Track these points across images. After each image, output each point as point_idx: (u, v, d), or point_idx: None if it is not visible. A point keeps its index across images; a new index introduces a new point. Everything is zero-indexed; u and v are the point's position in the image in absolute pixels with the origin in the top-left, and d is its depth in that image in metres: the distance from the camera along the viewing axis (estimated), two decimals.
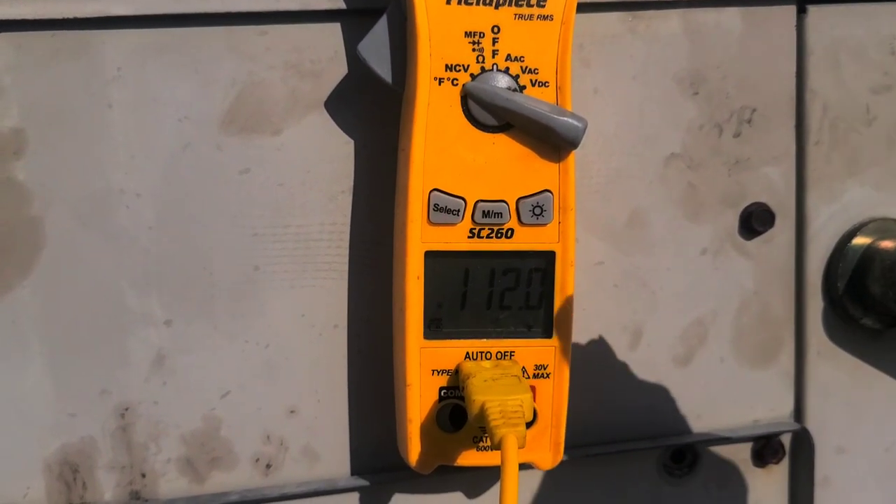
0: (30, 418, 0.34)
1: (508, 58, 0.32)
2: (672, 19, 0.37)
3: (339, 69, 0.34)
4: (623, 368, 0.39)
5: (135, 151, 0.33)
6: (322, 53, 0.34)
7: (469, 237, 0.33)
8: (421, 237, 0.33)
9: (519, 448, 0.29)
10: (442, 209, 0.32)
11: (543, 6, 0.32)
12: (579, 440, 0.38)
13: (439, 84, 0.32)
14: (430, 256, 0.33)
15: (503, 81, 0.32)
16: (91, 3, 0.32)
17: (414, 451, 0.34)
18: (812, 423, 0.41)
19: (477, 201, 0.33)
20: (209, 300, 0.35)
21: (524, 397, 0.31)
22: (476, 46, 0.32)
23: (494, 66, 0.32)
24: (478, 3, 0.32)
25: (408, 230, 0.32)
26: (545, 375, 0.34)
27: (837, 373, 0.41)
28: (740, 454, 0.41)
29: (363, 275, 0.36)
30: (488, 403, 0.31)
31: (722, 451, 0.41)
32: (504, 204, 0.33)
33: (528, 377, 0.34)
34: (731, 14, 0.38)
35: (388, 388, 0.36)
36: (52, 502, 0.35)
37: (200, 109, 0.34)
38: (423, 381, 0.34)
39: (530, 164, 0.33)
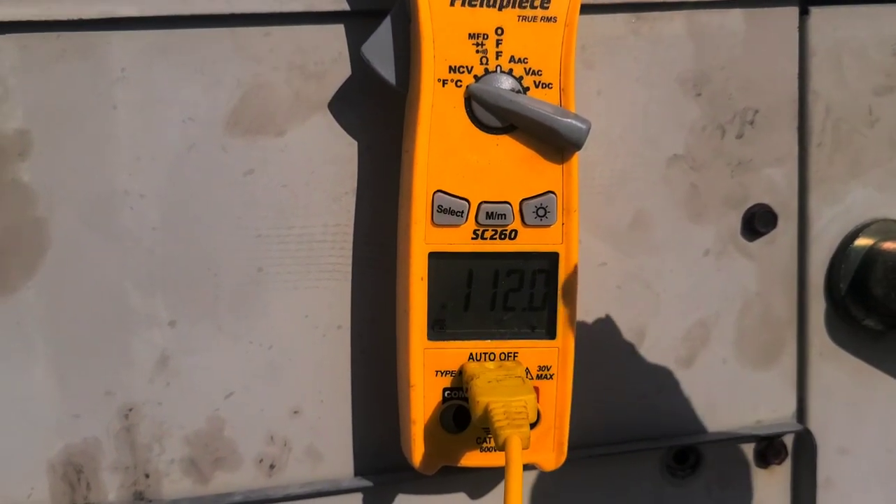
0: (34, 419, 0.34)
1: (512, 59, 0.32)
2: (675, 21, 0.37)
3: (343, 70, 0.34)
4: (626, 369, 0.39)
5: (139, 152, 0.34)
6: (326, 55, 0.34)
7: (473, 238, 0.33)
8: (425, 238, 0.33)
9: (523, 449, 0.29)
10: (446, 210, 0.32)
11: (547, 8, 0.32)
12: (582, 441, 0.38)
13: (443, 86, 0.32)
14: (434, 258, 0.33)
15: (507, 83, 0.32)
16: (96, 4, 0.32)
17: (417, 451, 0.34)
18: (814, 424, 0.41)
19: (480, 203, 0.33)
20: (213, 301, 0.35)
21: (528, 398, 0.31)
22: (480, 48, 0.32)
23: (498, 68, 0.32)
24: (481, 5, 0.32)
25: (412, 231, 0.33)
26: (549, 376, 0.34)
27: (840, 374, 0.41)
28: (743, 455, 0.41)
29: (366, 276, 0.36)
30: (492, 404, 0.31)
31: (724, 451, 0.41)
32: (508, 205, 0.33)
33: (532, 378, 0.34)
34: (735, 15, 0.38)
35: (392, 388, 0.36)
36: (56, 503, 0.35)
37: (205, 110, 0.34)
38: (426, 382, 0.34)
39: (534, 165, 0.33)
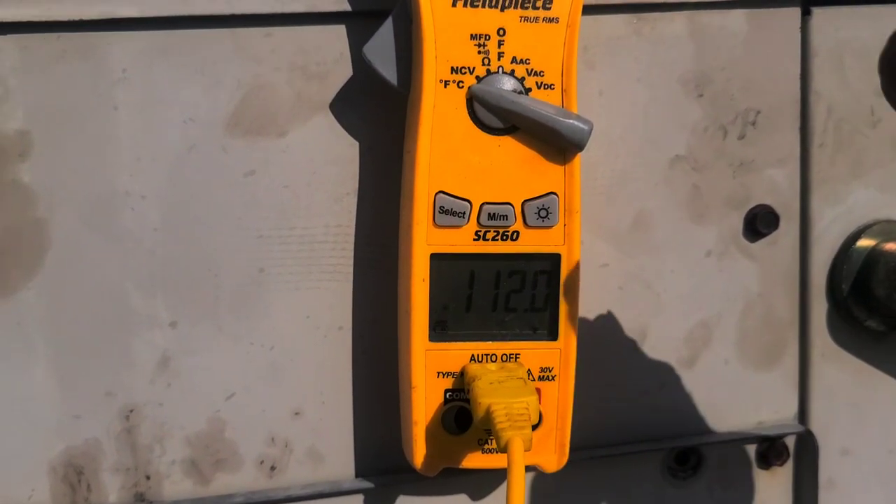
0: (35, 420, 0.34)
1: (514, 60, 0.32)
2: (677, 21, 0.37)
3: (345, 71, 0.34)
4: (627, 370, 0.39)
5: (140, 153, 0.33)
6: (327, 55, 0.34)
7: (475, 239, 0.33)
8: (426, 239, 0.33)
9: (525, 451, 0.29)
10: (447, 211, 0.32)
11: (549, 8, 0.32)
12: (584, 442, 0.38)
13: (445, 86, 0.32)
14: (436, 259, 0.33)
15: (509, 84, 0.32)
16: (97, 4, 0.32)
17: (419, 453, 0.34)
18: (816, 425, 0.41)
19: (482, 204, 0.33)
20: (214, 302, 0.35)
21: (530, 400, 0.31)
22: (482, 49, 0.32)
23: (500, 69, 0.32)
24: (483, 6, 0.32)
25: (413, 232, 0.32)
26: (550, 378, 0.34)
27: (842, 375, 0.41)
28: (744, 456, 0.41)
29: (368, 277, 0.36)
30: (494, 406, 0.31)
31: (726, 453, 0.41)
32: (509, 206, 0.33)
33: (534, 379, 0.34)
34: (736, 16, 0.38)
35: (393, 390, 0.36)
36: None
37: (206, 111, 0.34)
38: (428, 383, 0.34)
39: (536, 166, 0.33)
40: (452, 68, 0.32)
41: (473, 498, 0.38)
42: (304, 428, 0.36)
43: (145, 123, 0.33)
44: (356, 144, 0.35)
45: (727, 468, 0.41)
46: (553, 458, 0.35)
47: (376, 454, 0.37)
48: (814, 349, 0.41)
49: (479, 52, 0.32)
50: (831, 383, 0.41)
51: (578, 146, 0.32)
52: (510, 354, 0.34)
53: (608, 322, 0.38)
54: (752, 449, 0.41)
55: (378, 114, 0.35)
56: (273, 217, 0.35)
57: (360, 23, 0.34)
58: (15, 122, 0.32)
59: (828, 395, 0.41)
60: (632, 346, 0.39)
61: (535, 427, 0.33)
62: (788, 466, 0.41)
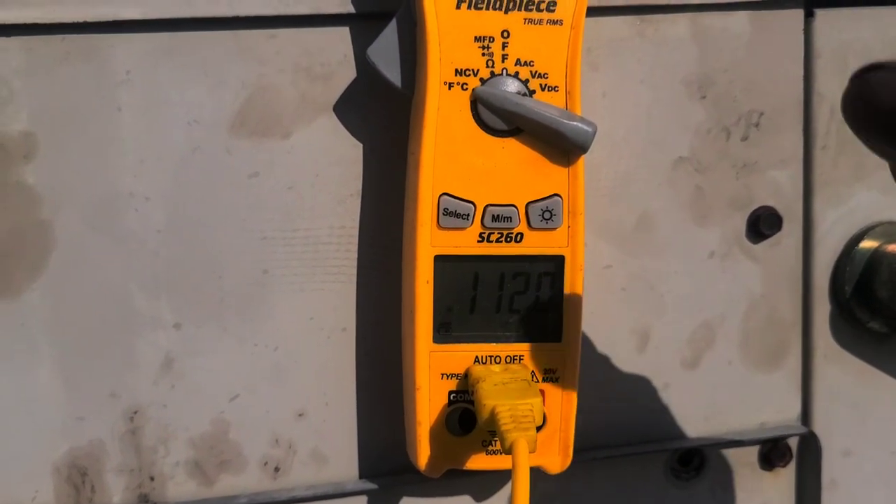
0: (39, 421, 0.34)
1: (518, 62, 0.32)
2: (680, 23, 0.37)
3: (349, 73, 0.34)
4: (631, 371, 0.39)
5: (144, 155, 0.34)
6: (331, 57, 0.34)
7: (479, 241, 0.33)
8: (430, 241, 0.33)
9: (530, 452, 0.29)
10: (451, 213, 0.32)
11: (553, 11, 0.32)
12: (587, 443, 0.38)
13: (449, 88, 0.32)
14: (440, 260, 0.33)
15: (513, 86, 0.32)
16: (100, 6, 0.32)
17: (423, 454, 0.34)
18: (819, 427, 0.41)
19: (486, 205, 0.33)
20: (218, 303, 0.35)
21: (534, 401, 0.31)
22: (486, 51, 0.32)
23: (504, 71, 0.32)
24: (487, 8, 0.32)
25: (417, 234, 0.32)
26: (554, 379, 0.34)
27: (844, 376, 0.41)
28: (747, 457, 0.41)
29: (372, 278, 0.36)
30: (499, 408, 0.31)
31: (729, 454, 0.41)
32: (513, 208, 0.33)
33: (538, 381, 0.34)
34: (739, 18, 0.38)
35: (397, 391, 0.36)
36: None
37: (210, 113, 0.34)
38: (432, 384, 0.34)
39: (540, 168, 0.33)
40: (456, 70, 0.32)
41: (477, 499, 0.38)
42: (308, 429, 0.36)
43: (149, 125, 0.33)
44: (360, 146, 0.35)
45: (730, 469, 0.41)
46: (557, 459, 0.35)
47: (380, 455, 0.37)
48: (817, 351, 0.41)
49: (483, 55, 0.32)
50: (834, 385, 0.41)
51: (582, 148, 0.32)
52: (514, 356, 0.34)
53: (611, 323, 0.38)
54: (754, 450, 0.41)
55: (382, 115, 0.35)
56: (277, 218, 0.35)
57: (364, 25, 0.34)
58: (19, 124, 0.32)
59: (830, 397, 0.41)
60: (635, 348, 0.39)
61: (539, 428, 0.33)
62: (791, 468, 0.42)
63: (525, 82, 0.32)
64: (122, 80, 0.33)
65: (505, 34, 0.32)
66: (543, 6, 0.32)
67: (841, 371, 0.41)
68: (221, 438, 0.36)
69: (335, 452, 0.37)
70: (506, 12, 0.32)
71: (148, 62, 0.33)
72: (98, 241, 0.34)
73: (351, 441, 0.37)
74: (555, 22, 0.32)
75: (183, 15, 0.33)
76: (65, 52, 0.32)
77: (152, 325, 0.34)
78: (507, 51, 0.32)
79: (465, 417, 0.34)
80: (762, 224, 0.39)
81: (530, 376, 0.33)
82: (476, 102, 0.32)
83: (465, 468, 0.35)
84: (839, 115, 0.39)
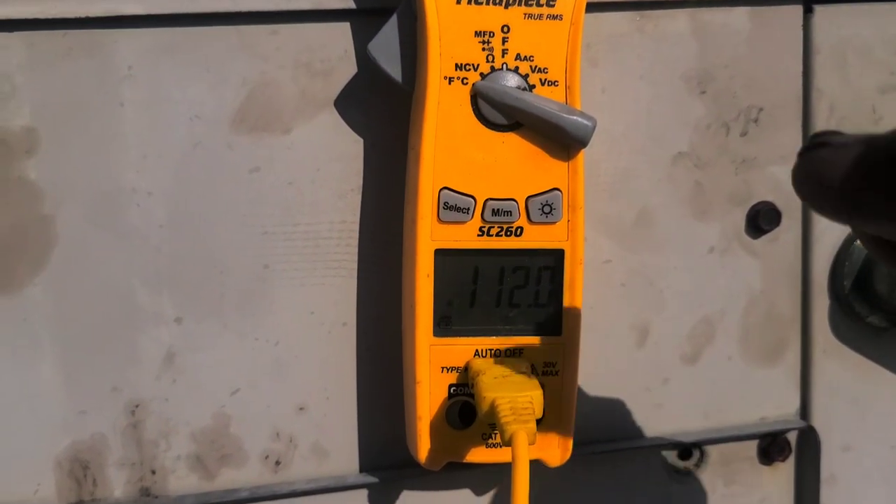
0: (41, 415, 0.34)
1: (518, 57, 0.32)
2: (680, 19, 0.37)
3: (350, 68, 0.35)
4: (630, 366, 0.39)
5: (146, 150, 0.34)
6: (332, 53, 0.34)
7: (479, 235, 0.33)
8: (431, 235, 0.33)
9: (529, 444, 0.30)
10: (452, 207, 0.33)
11: (553, 6, 0.32)
12: (587, 437, 0.38)
13: (449, 83, 0.32)
14: (440, 254, 0.33)
15: (513, 80, 0.32)
16: (102, 2, 0.32)
17: (423, 447, 0.34)
18: (818, 421, 0.41)
19: (486, 199, 0.33)
20: (219, 298, 0.35)
21: (534, 394, 0.31)
22: (486, 46, 0.32)
23: (504, 66, 0.32)
24: (487, 3, 0.32)
25: (418, 228, 0.33)
26: (554, 373, 0.34)
27: (844, 371, 0.41)
28: (747, 452, 0.41)
29: (372, 273, 0.36)
30: (498, 400, 0.31)
31: (728, 448, 0.41)
32: (513, 202, 0.33)
33: (538, 374, 0.34)
34: (739, 14, 0.38)
35: (397, 385, 0.36)
36: (63, 499, 0.35)
37: (211, 108, 0.34)
38: (432, 378, 0.34)
39: (539, 162, 0.33)
40: (457, 65, 0.32)
41: (477, 492, 0.38)
42: (309, 423, 0.36)
43: (151, 120, 0.34)
44: (360, 141, 0.35)
45: (729, 464, 0.41)
46: (556, 452, 0.35)
47: (380, 449, 0.37)
48: (816, 345, 0.41)
49: (484, 49, 0.32)
50: (833, 379, 0.41)
51: (582, 142, 0.32)
52: (514, 349, 0.34)
53: (611, 319, 0.38)
54: (754, 445, 0.41)
55: (382, 111, 0.35)
56: (278, 214, 0.35)
57: (364, 20, 0.34)
58: (21, 119, 0.33)
59: (830, 391, 0.41)
60: (635, 343, 0.39)
61: (538, 422, 0.33)
62: (790, 462, 0.42)
63: (525, 77, 0.32)
64: (125, 75, 0.33)
65: (505, 29, 0.32)
66: (543, 1, 0.32)
67: (840, 366, 0.41)
68: (222, 432, 0.36)
69: (336, 446, 0.37)
70: (506, 7, 0.32)
71: (150, 58, 0.33)
72: (100, 236, 0.34)
73: (351, 435, 0.37)
74: (555, 17, 0.32)
75: (185, 10, 0.33)
76: (67, 48, 0.33)
77: (154, 320, 0.35)
78: (507, 45, 0.32)
79: (466, 411, 0.34)
80: (761, 219, 0.39)
81: (530, 369, 0.34)
82: (476, 97, 0.32)
83: (465, 461, 0.35)
84: (838, 111, 0.39)
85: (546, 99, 0.32)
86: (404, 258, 0.35)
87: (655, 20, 0.37)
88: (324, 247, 0.35)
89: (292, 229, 0.35)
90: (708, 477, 0.41)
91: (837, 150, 0.19)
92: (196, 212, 0.34)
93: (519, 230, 0.33)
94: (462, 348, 0.34)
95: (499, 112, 0.32)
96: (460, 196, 0.33)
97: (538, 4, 0.32)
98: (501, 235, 0.33)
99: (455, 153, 0.32)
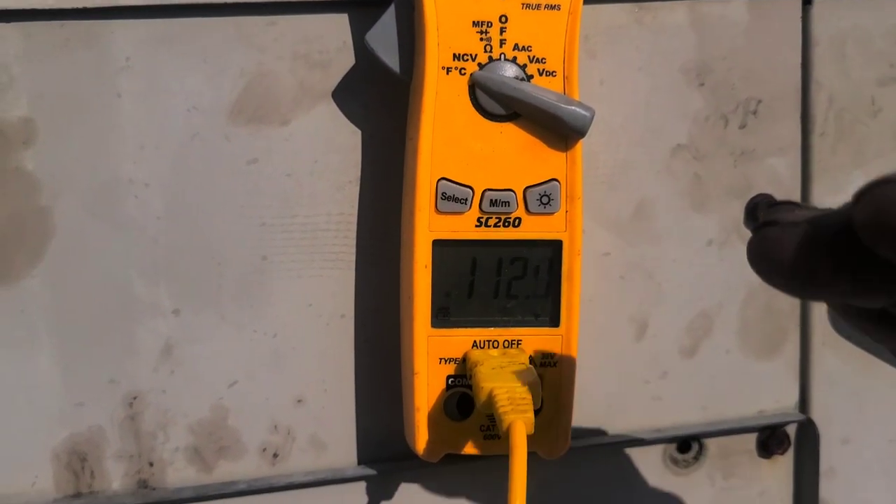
0: (38, 407, 0.34)
1: (516, 47, 0.32)
2: (678, 10, 0.37)
3: (347, 59, 0.35)
4: (629, 359, 0.39)
5: (144, 141, 0.34)
6: (330, 44, 0.34)
7: (477, 226, 0.33)
8: (429, 226, 0.33)
9: (528, 434, 0.30)
10: (450, 198, 0.33)
11: None
12: (585, 430, 0.38)
13: (447, 73, 0.32)
14: (438, 245, 0.33)
15: (511, 71, 0.32)
16: None
17: (421, 439, 0.34)
18: (817, 414, 0.41)
19: (484, 190, 0.33)
20: (217, 290, 0.35)
21: (532, 384, 0.31)
22: (484, 36, 0.32)
23: (502, 56, 0.32)
24: None
25: (415, 219, 0.33)
26: (552, 364, 0.34)
27: (843, 364, 0.41)
28: (746, 445, 0.41)
29: (370, 265, 0.36)
30: (496, 390, 0.31)
31: (727, 441, 0.41)
32: (511, 193, 0.33)
33: (536, 366, 0.34)
34: (737, 5, 0.38)
35: (395, 377, 0.36)
36: (61, 491, 0.35)
37: (209, 100, 0.34)
38: (430, 369, 0.34)
39: (538, 153, 0.33)
40: (454, 55, 0.32)
41: (475, 484, 0.38)
42: (307, 415, 0.36)
43: (149, 111, 0.33)
44: (358, 133, 0.35)
45: (728, 457, 0.41)
46: (554, 444, 0.35)
47: (379, 442, 0.37)
48: (814, 338, 0.41)
49: (482, 39, 0.32)
50: (832, 372, 0.41)
51: (580, 133, 0.32)
52: (512, 341, 0.34)
53: (609, 311, 0.38)
54: (753, 438, 0.41)
55: (380, 102, 0.35)
56: (276, 205, 0.35)
57: (362, 11, 0.34)
58: (19, 110, 0.33)
59: (829, 384, 0.41)
60: (633, 336, 0.39)
61: (536, 413, 0.33)
62: (789, 455, 0.42)
63: (523, 67, 0.32)
64: (122, 66, 0.33)
65: (503, 19, 0.32)
66: None
67: (839, 359, 0.41)
68: (220, 424, 0.36)
69: (334, 439, 0.37)
70: None
71: (147, 49, 0.33)
72: (97, 227, 0.34)
73: (350, 427, 0.37)
74: (552, 7, 0.32)
75: (182, 1, 0.33)
76: (64, 39, 0.33)
77: (151, 312, 0.34)
78: (505, 36, 0.32)
79: (464, 402, 0.34)
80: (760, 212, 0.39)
81: (528, 360, 0.34)
82: (474, 87, 0.32)
83: (463, 453, 0.35)
84: (838, 103, 0.39)
85: (544, 89, 0.32)
86: (402, 249, 0.34)
87: (654, 12, 0.37)
88: (322, 238, 0.35)
89: (290, 221, 0.35)
90: (706, 470, 0.41)
91: (786, 229, 0.20)
92: (194, 203, 0.34)
93: (517, 221, 0.33)
94: (460, 339, 0.34)
95: (497, 102, 0.32)
96: (458, 186, 0.33)
97: None
98: (499, 226, 0.33)
99: (453, 143, 0.32)
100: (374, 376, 0.37)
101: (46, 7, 0.32)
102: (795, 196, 0.40)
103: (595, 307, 0.38)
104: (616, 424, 0.39)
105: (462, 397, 0.34)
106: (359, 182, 0.35)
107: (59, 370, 0.34)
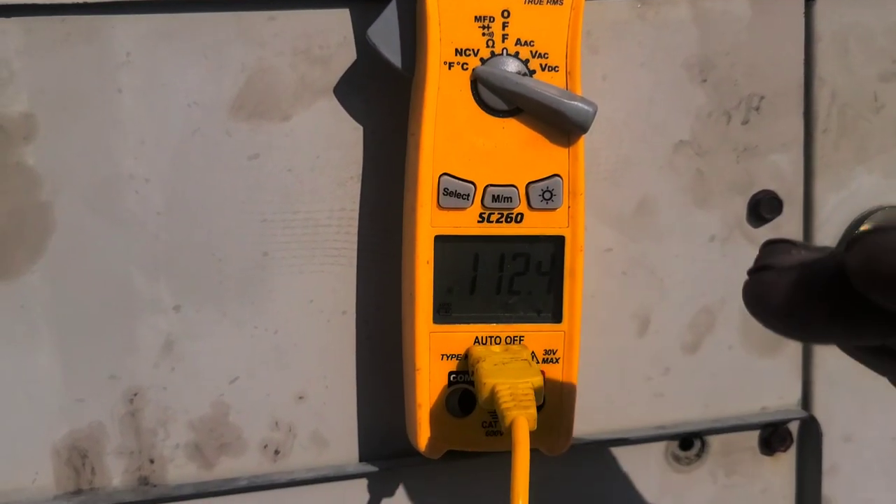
0: (38, 403, 0.34)
1: (518, 42, 0.32)
2: (680, 6, 0.37)
3: (349, 55, 0.34)
4: (631, 355, 0.39)
5: (144, 137, 0.33)
6: (331, 39, 0.34)
7: (479, 222, 0.33)
8: (431, 221, 0.33)
9: (530, 430, 0.29)
10: (452, 193, 0.32)
11: None
12: (587, 427, 0.38)
13: (449, 68, 0.32)
14: (440, 241, 0.33)
15: (513, 66, 0.32)
16: None
17: (423, 435, 0.34)
18: (820, 412, 0.41)
19: (487, 186, 0.33)
20: (218, 286, 0.35)
21: (535, 380, 0.31)
22: (486, 31, 0.32)
23: (504, 51, 0.32)
24: None
25: (417, 214, 0.32)
26: (554, 360, 0.34)
27: (845, 361, 0.40)
28: (748, 442, 0.41)
29: (372, 261, 0.36)
30: (499, 386, 0.31)
31: (730, 438, 0.41)
32: (514, 188, 0.33)
33: (538, 362, 0.34)
34: (740, 1, 0.37)
35: (397, 374, 0.36)
36: (61, 488, 0.35)
37: (209, 95, 0.34)
38: (432, 365, 0.34)
39: (540, 148, 0.33)
40: (457, 50, 0.32)
41: (477, 481, 0.38)
42: (308, 412, 0.36)
43: (149, 107, 0.33)
44: (360, 128, 0.35)
45: (731, 454, 0.41)
46: (556, 441, 0.35)
47: (380, 439, 0.37)
48: None
49: (484, 34, 0.32)
50: (835, 369, 0.41)
51: (583, 128, 0.32)
52: (514, 337, 0.34)
53: (611, 307, 0.38)
54: (755, 435, 0.41)
55: (382, 97, 0.35)
56: (277, 201, 0.35)
57: (363, 6, 0.34)
58: (19, 105, 0.32)
59: (831, 382, 0.41)
60: (635, 332, 0.39)
61: (539, 409, 0.33)
62: (792, 452, 0.41)
63: (525, 62, 0.32)
64: (123, 61, 0.33)
65: (505, 14, 0.32)
66: None
67: (841, 356, 0.41)
68: (221, 421, 0.35)
69: (335, 435, 0.37)
70: None
71: (148, 44, 0.33)
72: (98, 223, 0.34)
73: (351, 424, 0.37)
74: (555, 2, 0.32)
75: None
76: (65, 34, 0.32)
77: (152, 308, 0.34)
78: (507, 30, 0.32)
79: (465, 398, 0.34)
80: (763, 208, 0.39)
81: (530, 356, 0.33)
82: (476, 82, 0.32)
83: (465, 450, 0.35)
84: (840, 99, 0.39)
85: (546, 84, 0.32)
86: (404, 245, 0.34)
87: (656, 7, 0.37)
88: (323, 234, 0.35)
89: (291, 217, 0.35)
90: (708, 467, 0.41)
91: (780, 274, 0.21)
92: (194, 199, 0.34)
93: (519, 216, 0.33)
94: (462, 335, 0.34)
95: (499, 97, 0.32)
96: (460, 182, 0.32)
97: None
98: (502, 222, 0.33)
99: (455, 139, 0.32)
100: (375, 373, 0.36)
101: (47, 2, 0.32)
102: (798, 193, 0.40)
103: (597, 303, 0.38)
104: (618, 421, 0.39)
105: (464, 394, 0.34)
106: (360, 178, 0.35)
107: (60, 366, 0.34)
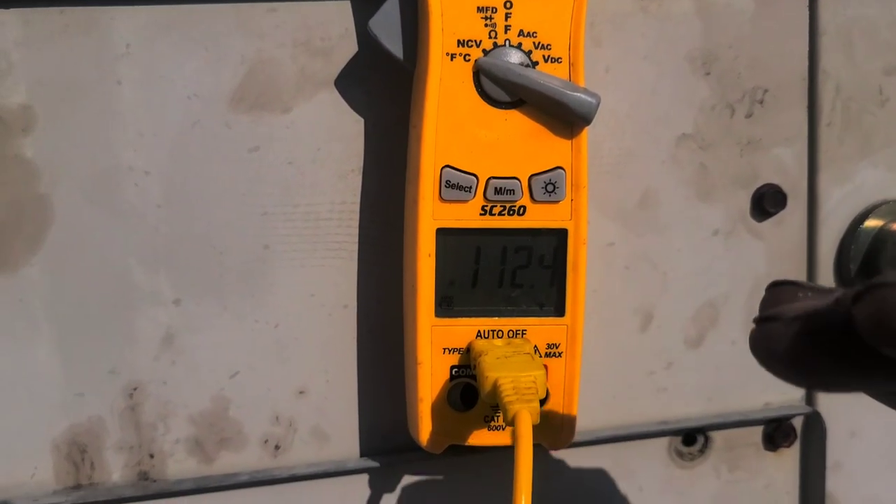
0: (38, 398, 0.34)
1: (521, 33, 0.32)
2: None
3: (350, 47, 0.34)
4: (634, 350, 0.39)
5: (143, 129, 0.33)
6: (332, 31, 0.34)
7: (481, 214, 0.33)
8: (433, 214, 0.32)
9: (533, 424, 0.29)
10: (454, 186, 0.32)
11: None
12: (590, 422, 0.38)
13: (451, 60, 0.32)
14: (442, 234, 0.33)
15: (516, 57, 0.32)
16: None
17: (425, 430, 0.34)
18: (824, 407, 0.41)
19: (489, 178, 0.32)
20: (218, 279, 0.35)
21: (537, 374, 0.31)
22: (488, 21, 0.32)
23: (507, 42, 0.32)
24: None
25: (419, 207, 0.32)
26: (557, 354, 0.34)
27: None
28: (752, 437, 0.41)
29: (373, 254, 0.36)
30: (501, 380, 0.30)
31: (733, 434, 0.40)
32: (516, 181, 0.32)
33: (541, 356, 0.34)
34: None
35: (399, 368, 0.36)
36: (60, 482, 0.34)
37: (209, 87, 0.33)
38: (434, 359, 0.33)
39: (543, 140, 0.32)
40: (459, 41, 0.32)
41: (479, 475, 0.38)
42: (309, 407, 0.36)
43: (149, 99, 0.33)
44: (361, 121, 0.35)
45: (734, 449, 0.41)
46: (558, 435, 0.35)
47: (381, 433, 0.37)
48: None
49: (486, 25, 0.32)
50: None
51: (586, 120, 0.32)
52: (517, 330, 0.34)
53: (614, 301, 0.38)
54: (759, 430, 0.41)
55: (383, 89, 0.34)
56: (277, 194, 0.34)
57: None
58: (18, 97, 0.32)
59: None
60: (638, 327, 0.38)
61: (541, 403, 0.33)
62: (796, 448, 0.41)
63: (528, 53, 0.32)
64: (122, 53, 0.33)
65: (508, 5, 0.32)
66: None
67: None
68: (221, 416, 0.35)
69: (336, 430, 0.36)
70: None
71: (147, 35, 0.33)
72: (97, 215, 0.33)
73: (352, 419, 0.36)
74: None
75: None
76: (64, 25, 0.32)
77: (152, 301, 0.34)
78: (509, 21, 0.32)
79: (467, 392, 0.34)
80: (767, 202, 0.38)
81: (533, 350, 0.33)
82: (479, 74, 0.32)
83: (466, 444, 0.34)
84: (844, 92, 0.39)
85: (549, 76, 0.32)
86: (405, 238, 0.34)
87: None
88: (324, 227, 0.35)
89: (292, 210, 0.35)
90: (712, 463, 0.40)
91: (787, 325, 0.21)
92: (194, 191, 0.34)
93: (522, 209, 0.33)
94: (464, 329, 0.33)
95: (501, 89, 0.32)
96: (462, 174, 0.32)
97: None
98: (504, 214, 0.33)
99: (457, 131, 0.32)
100: (376, 367, 0.36)
101: None
102: (802, 187, 0.39)
103: (600, 297, 0.37)
104: (621, 416, 0.39)
105: (466, 388, 0.34)
106: (361, 170, 0.35)
107: (59, 360, 0.34)
